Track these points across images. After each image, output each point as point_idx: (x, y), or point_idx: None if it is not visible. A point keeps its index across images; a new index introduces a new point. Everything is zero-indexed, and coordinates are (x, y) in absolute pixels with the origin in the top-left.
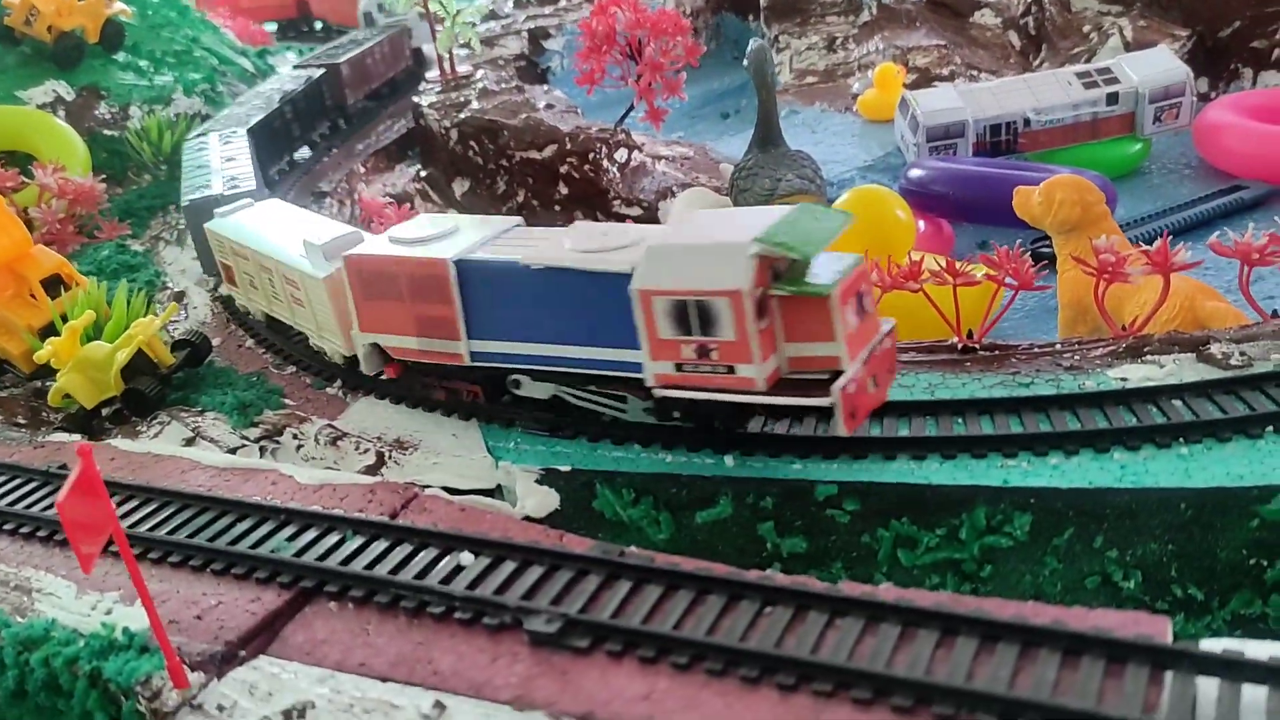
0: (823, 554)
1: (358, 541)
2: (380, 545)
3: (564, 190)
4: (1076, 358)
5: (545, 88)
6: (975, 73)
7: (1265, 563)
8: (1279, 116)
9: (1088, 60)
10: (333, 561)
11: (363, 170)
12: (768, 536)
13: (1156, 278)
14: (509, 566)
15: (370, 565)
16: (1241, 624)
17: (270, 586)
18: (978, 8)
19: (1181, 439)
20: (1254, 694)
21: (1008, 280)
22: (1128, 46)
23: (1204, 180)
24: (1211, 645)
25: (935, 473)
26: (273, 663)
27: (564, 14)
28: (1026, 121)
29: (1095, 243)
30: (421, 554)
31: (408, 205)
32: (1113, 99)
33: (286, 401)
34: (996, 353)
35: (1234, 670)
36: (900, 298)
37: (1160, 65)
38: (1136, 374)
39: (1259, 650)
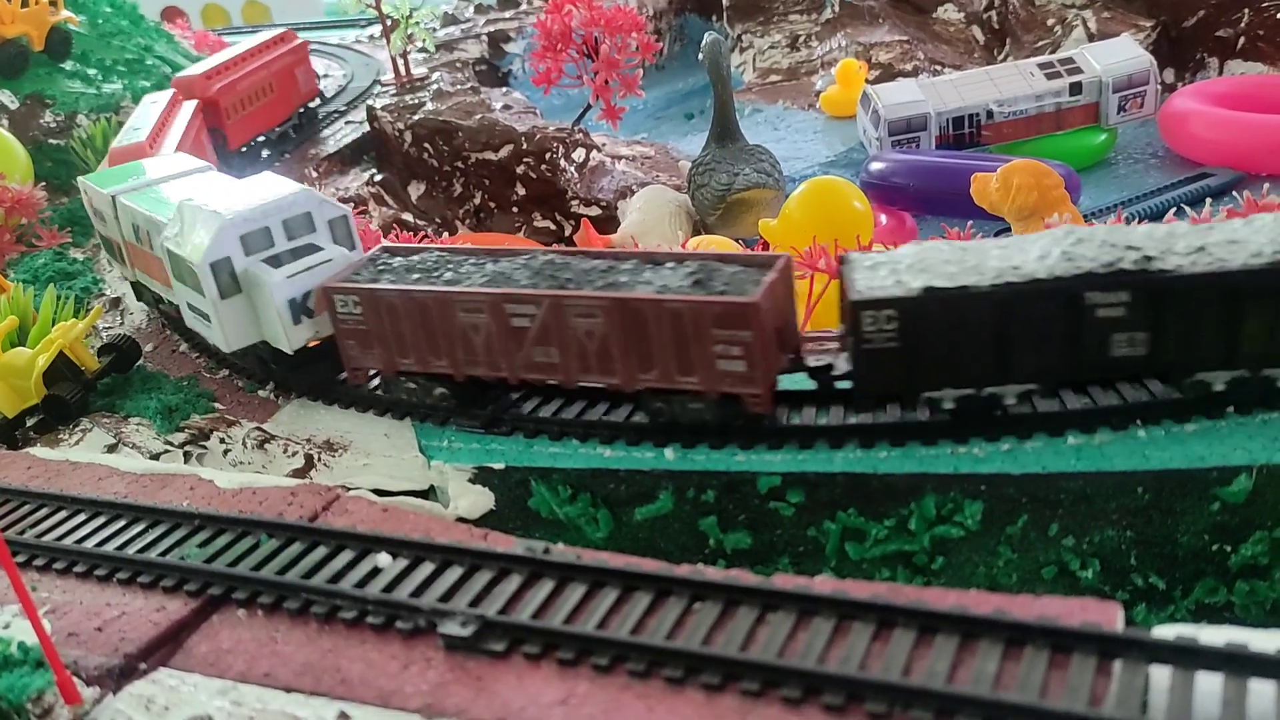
0: (768, 549)
1: (272, 545)
2: (296, 549)
3: (521, 191)
4: None
5: (504, 90)
6: (939, 68)
7: (1228, 548)
8: (1244, 103)
9: (1052, 53)
10: (244, 567)
11: (315, 175)
12: (710, 532)
13: None
14: (428, 568)
15: (283, 570)
16: (1206, 613)
17: (177, 595)
18: (941, 3)
19: (1139, 420)
20: (1208, 682)
21: None
22: (1091, 38)
23: (1170, 169)
24: (1164, 632)
25: (883, 461)
26: (173, 675)
27: (524, 18)
28: (989, 113)
29: (1048, 220)
30: (338, 557)
31: (358, 209)
32: (1076, 89)
33: (216, 405)
34: None
35: (1187, 658)
36: None
37: (1123, 54)
38: None
39: (1214, 636)
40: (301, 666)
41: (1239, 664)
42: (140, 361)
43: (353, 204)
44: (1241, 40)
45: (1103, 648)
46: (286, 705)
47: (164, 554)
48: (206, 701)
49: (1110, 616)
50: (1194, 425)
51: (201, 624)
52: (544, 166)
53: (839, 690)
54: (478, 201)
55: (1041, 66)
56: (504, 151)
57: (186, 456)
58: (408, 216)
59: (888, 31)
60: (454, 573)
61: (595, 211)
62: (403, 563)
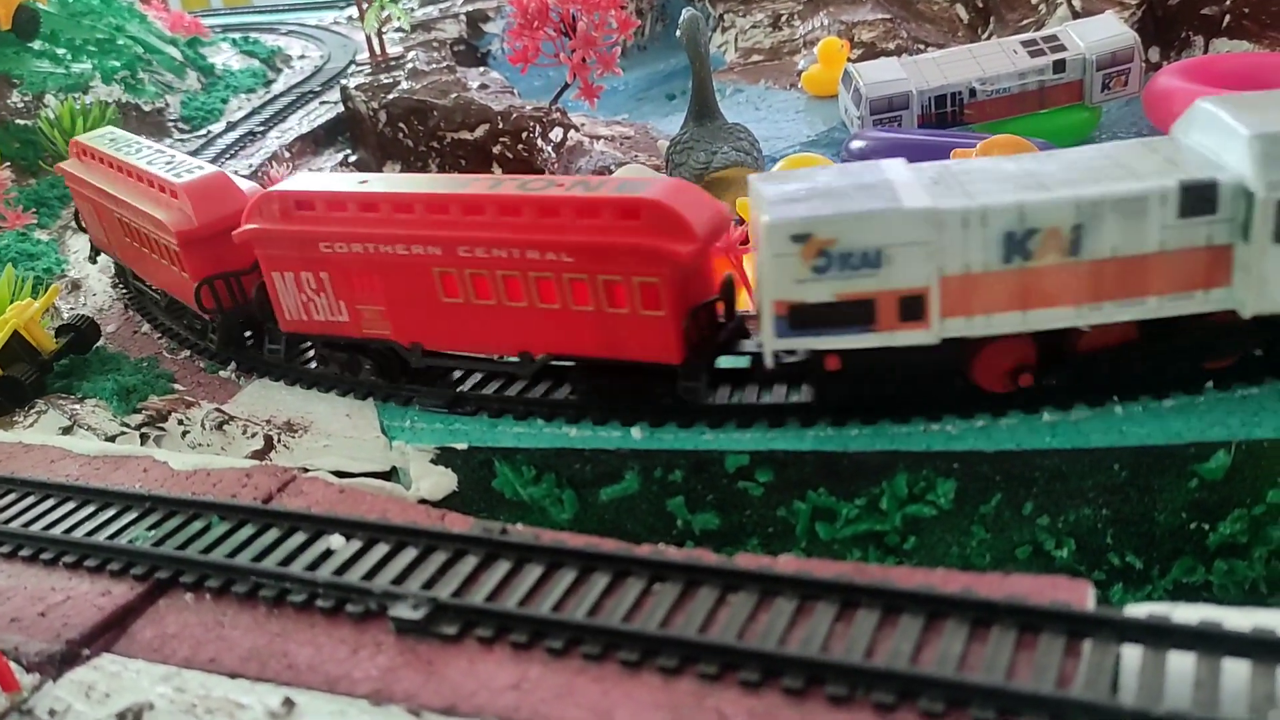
0: (737, 530)
1: (224, 528)
2: (247, 531)
3: (498, 171)
4: None
5: (481, 70)
6: (922, 47)
7: (1206, 526)
8: (1228, 81)
9: (1036, 31)
10: (193, 550)
11: (287, 155)
12: (678, 513)
13: None
14: (381, 549)
15: (233, 553)
16: (1184, 593)
17: (124, 579)
18: None
19: (1115, 396)
20: (1180, 661)
21: None
22: (1076, 16)
23: None
24: (1136, 610)
25: (854, 439)
26: (116, 661)
27: None
28: (972, 92)
29: None
30: (290, 539)
31: None
32: (1059, 67)
33: (176, 386)
34: None
35: (1159, 637)
36: None
37: (1107, 31)
38: None
39: (1187, 614)
40: (248, 651)
41: (1212, 643)
42: (101, 343)
43: None
44: (1227, 18)
45: (1072, 627)
46: (230, 691)
47: (112, 537)
48: (149, 688)
49: (1080, 595)
50: (1172, 401)
51: (148, 608)
52: (520, 146)
53: (799, 673)
54: None
55: (1025, 44)
56: (480, 131)
57: (144, 438)
58: None
59: (870, 10)
60: (408, 554)
61: None
62: (356, 544)
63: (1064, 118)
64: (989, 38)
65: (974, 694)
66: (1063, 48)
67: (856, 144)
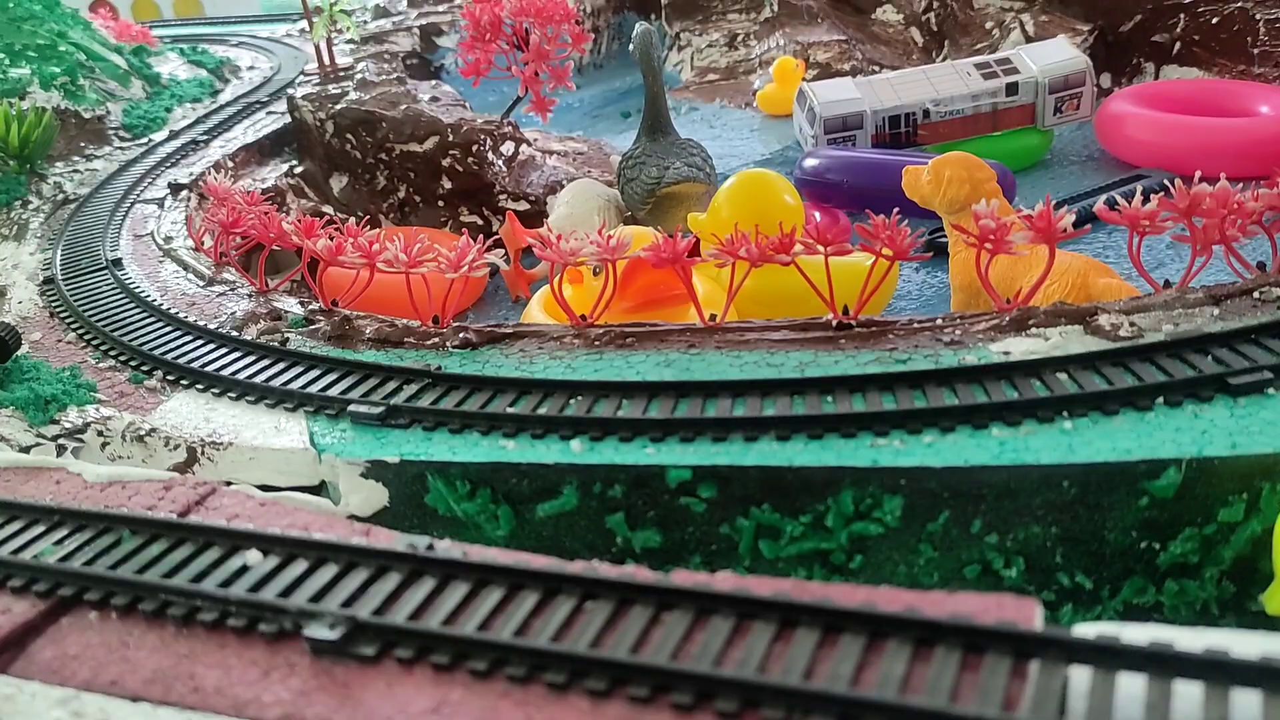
0: (679, 547)
1: (134, 543)
2: (159, 547)
3: (447, 184)
4: (958, 332)
5: (433, 83)
6: (877, 68)
7: (1157, 545)
8: (1179, 106)
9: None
10: (100, 566)
11: (231, 164)
12: (618, 530)
13: (1045, 256)
14: (300, 566)
15: (143, 569)
16: (1135, 614)
17: (25, 596)
18: (880, 4)
19: (1065, 412)
20: (1130, 683)
21: (883, 251)
22: (1029, 41)
23: (1105, 171)
24: (1084, 630)
25: (799, 454)
26: (10, 683)
27: (457, 11)
28: (926, 113)
29: (975, 208)
30: (204, 555)
31: (257, 191)
32: (1012, 89)
33: (98, 396)
34: (874, 329)
35: (1108, 657)
36: (774, 274)
37: (1059, 55)
38: (1020, 347)
39: (1137, 634)
40: (152, 674)
41: (1163, 664)
42: (24, 351)
43: (271, 196)
44: (1177, 45)
45: (1018, 647)
46: (130, 716)
47: (16, 553)
48: (44, 712)
49: (1027, 614)
50: (1122, 417)
51: (49, 627)
52: (471, 160)
53: (734, 695)
54: (402, 195)
55: (978, 66)
56: (429, 143)
57: (60, 450)
58: (329, 209)
59: (826, 31)
60: (328, 571)
61: (523, 206)
62: (274, 561)
63: (1016, 140)
64: (943, 60)
65: (916, 718)
66: (1015, 70)
67: (810, 162)
